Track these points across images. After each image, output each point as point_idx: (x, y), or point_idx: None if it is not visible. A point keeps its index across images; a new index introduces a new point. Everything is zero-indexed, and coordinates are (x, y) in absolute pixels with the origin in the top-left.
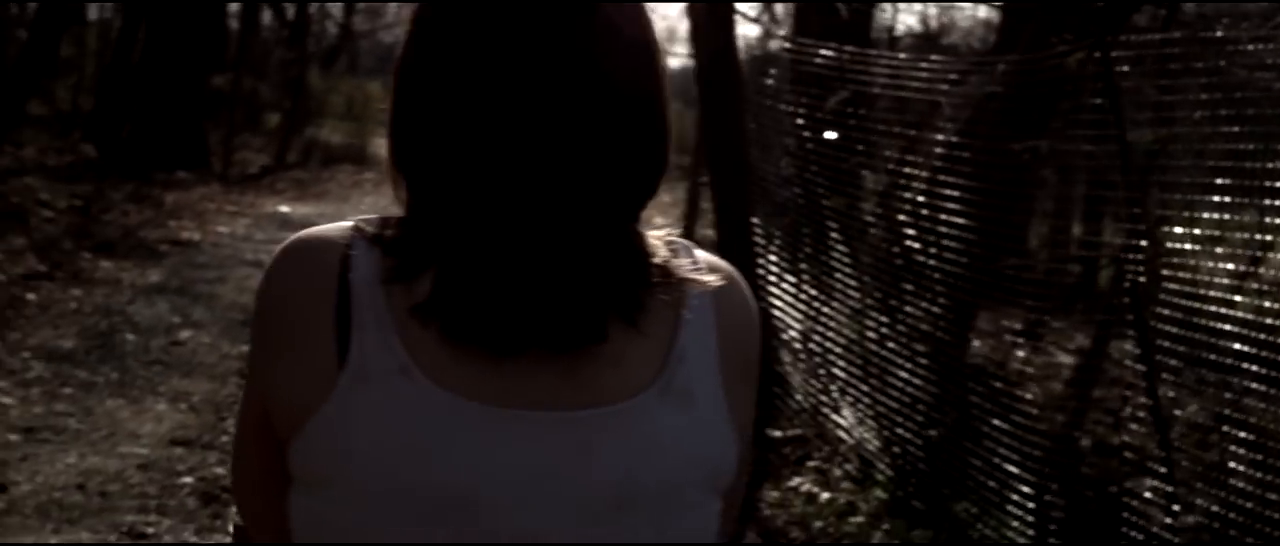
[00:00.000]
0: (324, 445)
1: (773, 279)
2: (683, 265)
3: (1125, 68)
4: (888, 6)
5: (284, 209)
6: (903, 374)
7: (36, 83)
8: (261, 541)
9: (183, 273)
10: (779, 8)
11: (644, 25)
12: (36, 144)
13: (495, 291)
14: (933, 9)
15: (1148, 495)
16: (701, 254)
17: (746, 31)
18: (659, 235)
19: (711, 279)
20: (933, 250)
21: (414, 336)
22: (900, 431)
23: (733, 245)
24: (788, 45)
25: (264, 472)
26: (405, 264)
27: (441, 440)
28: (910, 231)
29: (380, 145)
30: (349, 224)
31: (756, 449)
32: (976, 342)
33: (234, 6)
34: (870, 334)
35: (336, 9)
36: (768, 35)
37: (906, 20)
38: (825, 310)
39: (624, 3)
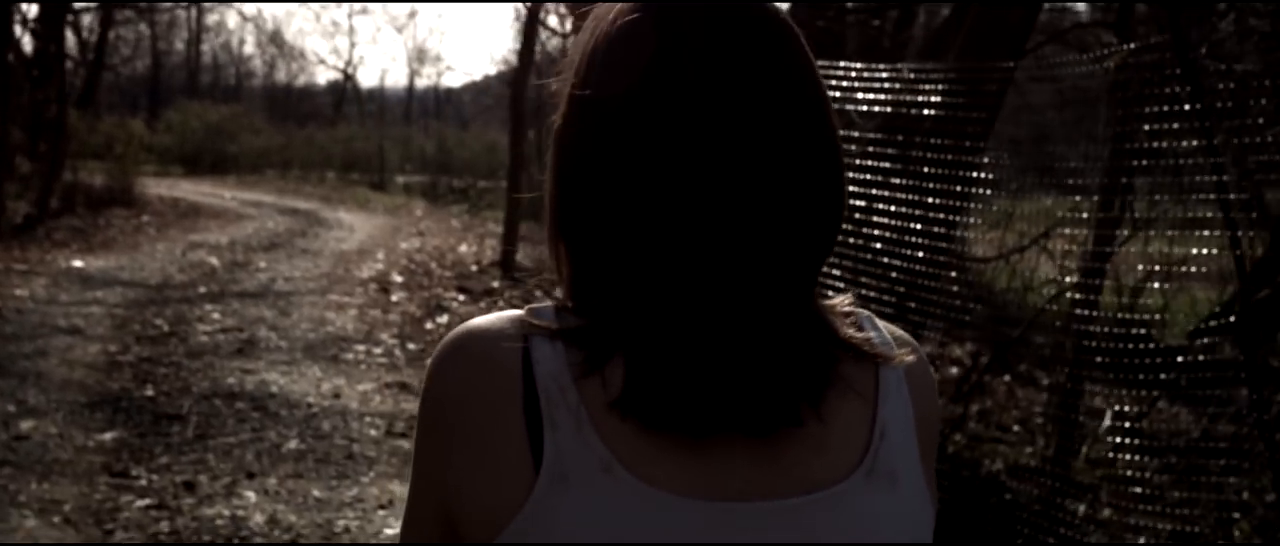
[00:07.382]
0: None
1: None
2: (871, 338)
3: None
4: None
5: (78, 263)
6: None
7: None
8: None
9: None
10: None
11: (805, 65)
12: None
13: (690, 375)
14: None
15: None
16: (884, 325)
17: None
18: (839, 304)
19: (903, 353)
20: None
21: (612, 431)
22: None
23: None
24: None
25: None
26: (593, 355)
27: (656, 539)
28: None
29: (146, 185)
30: (515, 314)
31: None
32: None
33: None
34: None
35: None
36: None
37: None
38: None
39: (783, 51)
